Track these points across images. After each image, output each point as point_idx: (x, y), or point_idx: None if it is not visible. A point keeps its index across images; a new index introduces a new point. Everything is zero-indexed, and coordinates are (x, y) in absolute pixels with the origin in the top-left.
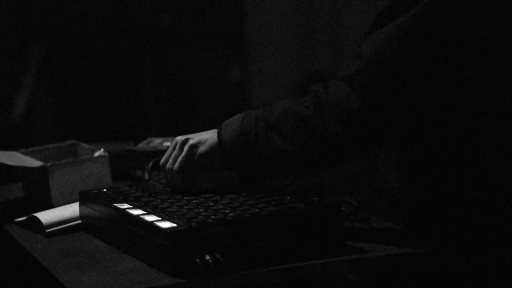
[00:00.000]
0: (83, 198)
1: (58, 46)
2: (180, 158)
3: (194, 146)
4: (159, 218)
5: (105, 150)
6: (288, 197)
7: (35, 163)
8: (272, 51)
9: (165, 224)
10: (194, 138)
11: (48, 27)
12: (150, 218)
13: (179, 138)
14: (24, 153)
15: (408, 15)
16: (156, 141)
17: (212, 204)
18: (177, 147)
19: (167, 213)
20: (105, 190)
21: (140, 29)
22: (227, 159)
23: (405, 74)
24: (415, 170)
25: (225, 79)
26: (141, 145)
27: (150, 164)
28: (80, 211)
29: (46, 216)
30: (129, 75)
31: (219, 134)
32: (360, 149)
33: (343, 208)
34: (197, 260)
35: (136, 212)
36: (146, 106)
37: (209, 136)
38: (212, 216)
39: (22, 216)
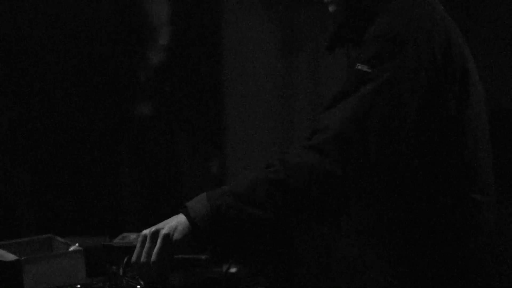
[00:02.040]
0: None
1: (33, 139)
2: (156, 250)
3: (167, 235)
4: None
5: (80, 245)
6: None
7: (9, 256)
8: (252, 146)
9: None
10: (164, 227)
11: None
12: None
13: (147, 231)
14: None
15: (369, 88)
16: (131, 236)
17: None
18: (148, 240)
19: None
20: (78, 286)
21: (117, 118)
22: (202, 239)
23: (371, 140)
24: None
25: (204, 173)
26: (116, 240)
27: (125, 259)
28: None
29: None
30: (106, 167)
31: (188, 216)
32: (336, 209)
33: None
34: None
35: None
36: (123, 199)
37: (177, 222)
38: None
39: None
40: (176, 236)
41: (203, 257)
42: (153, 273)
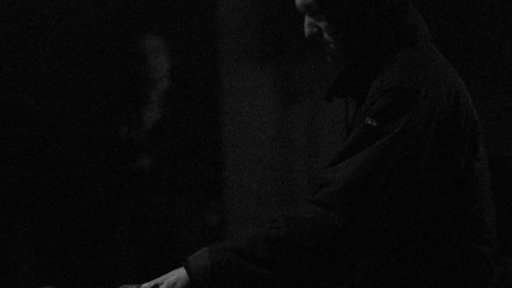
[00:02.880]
0: None
1: (35, 193)
2: None
3: None
4: None
5: None
6: None
7: None
8: (250, 196)
9: None
10: (163, 282)
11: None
12: None
13: (146, 285)
14: None
15: (378, 144)
16: None
17: None
18: None
19: None
20: None
21: (116, 172)
22: None
23: (379, 195)
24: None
25: (203, 224)
26: None
27: None
28: None
29: None
30: (104, 219)
31: (188, 270)
32: (341, 264)
33: None
34: None
35: None
36: (122, 251)
37: (176, 278)
38: None
39: None
40: None
41: None
42: None
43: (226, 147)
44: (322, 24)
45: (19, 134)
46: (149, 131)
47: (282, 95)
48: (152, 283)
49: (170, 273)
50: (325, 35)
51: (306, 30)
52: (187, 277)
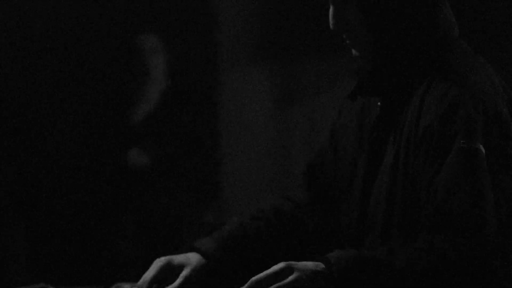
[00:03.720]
0: None
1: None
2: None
3: (297, 281)
4: None
5: None
6: None
7: None
8: (248, 196)
9: None
10: (300, 270)
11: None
12: None
13: (284, 265)
14: None
15: (486, 166)
16: (125, 286)
17: None
18: (279, 273)
19: None
20: None
21: (114, 171)
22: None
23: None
24: None
25: (201, 223)
26: None
27: None
28: None
29: None
30: (102, 219)
31: (331, 277)
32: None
33: None
34: None
35: None
36: (120, 250)
37: (314, 275)
38: None
39: None
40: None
41: None
42: None
43: (224, 147)
44: (350, 15)
45: (17, 131)
46: (147, 131)
47: (281, 95)
48: (289, 264)
49: (309, 264)
50: (353, 27)
51: (332, 21)
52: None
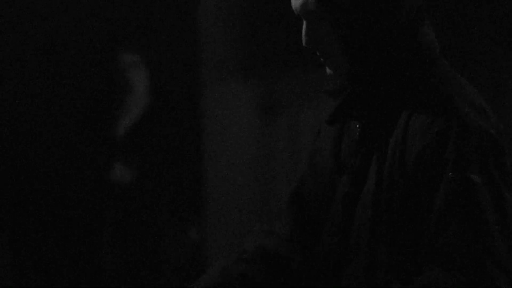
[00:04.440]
0: None
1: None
2: None
3: None
4: None
5: None
6: None
7: None
8: (231, 210)
9: None
10: None
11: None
12: None
13: None
14: None
15: (489, 198)
16: None
17: None
18: None
19: None
20: None
21: (98, 183)
22: None
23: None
24: None
25: (184, 238)
26: None
27: None
28: None
29: None
30: (85, 234)
31: None
32: None
33: None
34: None
35: None
36: (103, 264)
37: None
38: None
39: None
40: None
41: None
42: None
43: (208, 161)
44: (323, 31)
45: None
46: (131, 146)
47: (264, 109)
48: None
49: None
50: (326, 44)
51: (305, 37)
52: None
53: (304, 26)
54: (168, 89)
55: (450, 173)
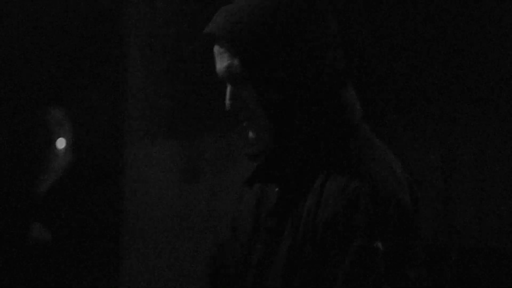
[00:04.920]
0: None
1: None
2: None
3: None
4: None
5: None
6: None
7: None
8: (150, 274)
9: None
10: None
11: None
12: None
13: None
14: None
15: (385, 271)
16: None
17: None
18: None
19: None
20: None
21: (15, 244)
22: None
23: None
24: None
25: None
26: None
27: None
28: None
29: None
30: None
31: None
32: None
33: None
34: None
35: None
36: None
37: None
38: None
39: None
40: None
41: None
42: None
43: (127, 219)
44: (248, 94)
45: None
46: (49, 204)
47: (186, 170)
48: None
49: None
50: (249, 107)
51: (229, 101)
52: None
53: (228, 90)
54: (90, 145)
55: (360, 240)
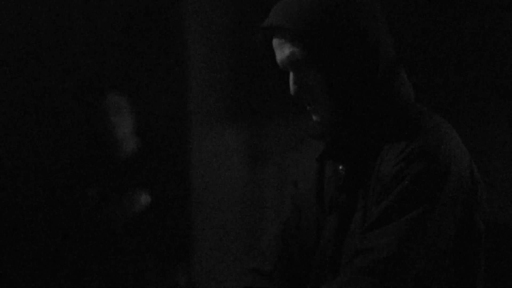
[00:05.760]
0: None
1: None
2: None
3: None
4: None
5: None
6: None
7: None
8: (219, 258)
9: None
10: None
11: None
12: None
13: None
14: None
15: (418, 212)
16: None
17: None
18: None
19: None
20: None
21: (84, 232)
22: None
23: (419, 262)
24: None
25: (171, 285)
26: None
27: None
28: None
29: None
30: (71, 279)
31: None
32: None
33: None
34: None
35: None
36: None
37: None
38: None
39: None
40: None
41: None
42: None
43: (196, 207)
44: (310, 78)
45: None
46: (116, 190)
47: (252, 154)
48: None
49: None
50: (314, 90)
51: (293, 86)
52: None
53: (291, 77)
54: (156, 135)
55: (405, 188)
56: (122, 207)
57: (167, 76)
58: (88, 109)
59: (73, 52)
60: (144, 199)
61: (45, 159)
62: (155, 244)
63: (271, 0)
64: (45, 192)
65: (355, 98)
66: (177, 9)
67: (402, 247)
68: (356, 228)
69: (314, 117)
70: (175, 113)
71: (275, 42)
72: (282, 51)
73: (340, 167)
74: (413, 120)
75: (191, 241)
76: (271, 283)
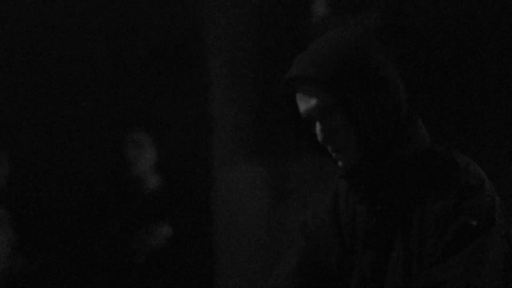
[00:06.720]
0: None
1: None
2: None
3: None
4: None
5: None
6: None
7: None
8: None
9: None
10: None
11: None
12: None
13: None
14: None
15: (479, 243)
16: None
17: None
18: None
19: None
20: None
21: (108, 265)
22: None
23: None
24: None
25: None
26: None
27: None
28: None
29: None
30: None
31: None
32: None
33: None
34: None
35: None
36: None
37: None
38: None
39: None
40: None
41: None
42: None
43: (217, 243)
44: (336, 123)
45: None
46: (137, 225)
47: (275, 194)
48: None
49: None
50: (341, 134)
51: (321, 135)
52: None
53: (318, 126)
54: (177, 169)
55: (465, 218)
56: (146, 241)
57: (191, 112)
58: (113, 144)
59: (98, 87)
60: (166, 232)
61: (70, 194)
62: (178, 276)
63: (292, 36)
64: (69, 226)
65: (382, 139)
66: (200, 44)
67: (472, 275)
68: (397, 266)
69: (340, 163)
70: (199, 150)
71: (301, 92)
72: (309, 101)
73: (378, 207)
74: (444, 158)
75: (214, 277)
76: None
